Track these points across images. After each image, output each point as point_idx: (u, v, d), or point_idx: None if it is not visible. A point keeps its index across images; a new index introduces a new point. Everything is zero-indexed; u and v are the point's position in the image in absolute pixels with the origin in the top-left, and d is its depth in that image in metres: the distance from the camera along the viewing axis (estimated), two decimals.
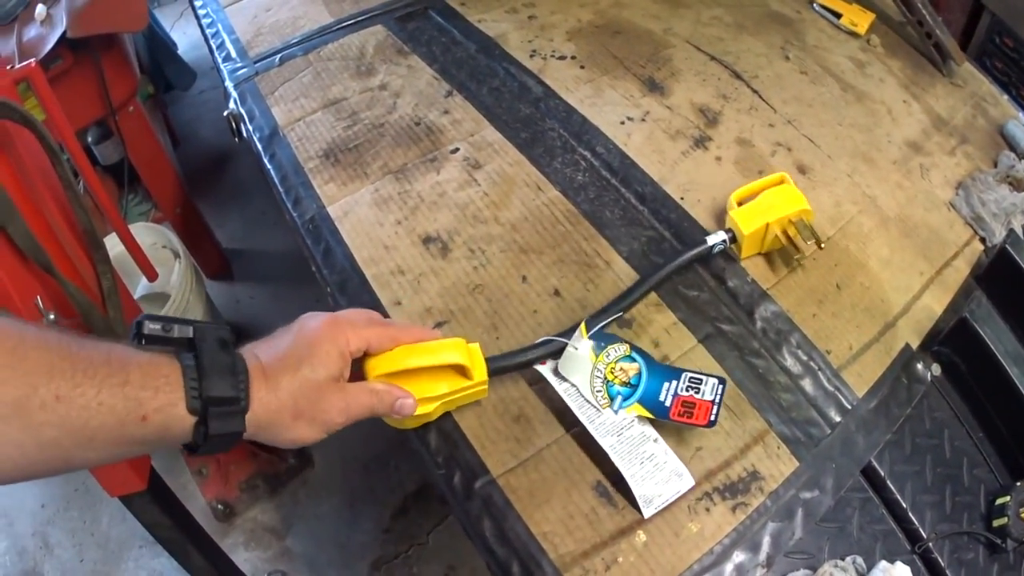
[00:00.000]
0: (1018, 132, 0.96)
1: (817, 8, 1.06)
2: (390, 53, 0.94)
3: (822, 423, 0.65)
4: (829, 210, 0.79)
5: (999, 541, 0.66)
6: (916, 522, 0.65)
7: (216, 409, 0.46)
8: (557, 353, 0.62)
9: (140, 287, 1.40)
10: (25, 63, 0.94)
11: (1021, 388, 0.70)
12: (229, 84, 0.95)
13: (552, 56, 0.92)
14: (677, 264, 0.68)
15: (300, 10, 1.04)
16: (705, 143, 0.83)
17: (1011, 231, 0.84)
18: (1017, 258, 0.79)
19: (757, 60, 0.94)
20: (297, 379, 0.50)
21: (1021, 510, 0.67)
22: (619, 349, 0.62)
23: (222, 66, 0.98)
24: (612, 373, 0.61)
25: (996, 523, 0.66)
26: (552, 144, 0.81)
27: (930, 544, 0.64)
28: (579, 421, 0.58)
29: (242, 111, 0.91)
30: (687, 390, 0.60)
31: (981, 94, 1.03)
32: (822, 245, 0.70)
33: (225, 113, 0.93)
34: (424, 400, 0.57)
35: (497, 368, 0.60)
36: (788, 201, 0.71)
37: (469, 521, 0.57)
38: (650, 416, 0.59)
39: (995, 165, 0.94)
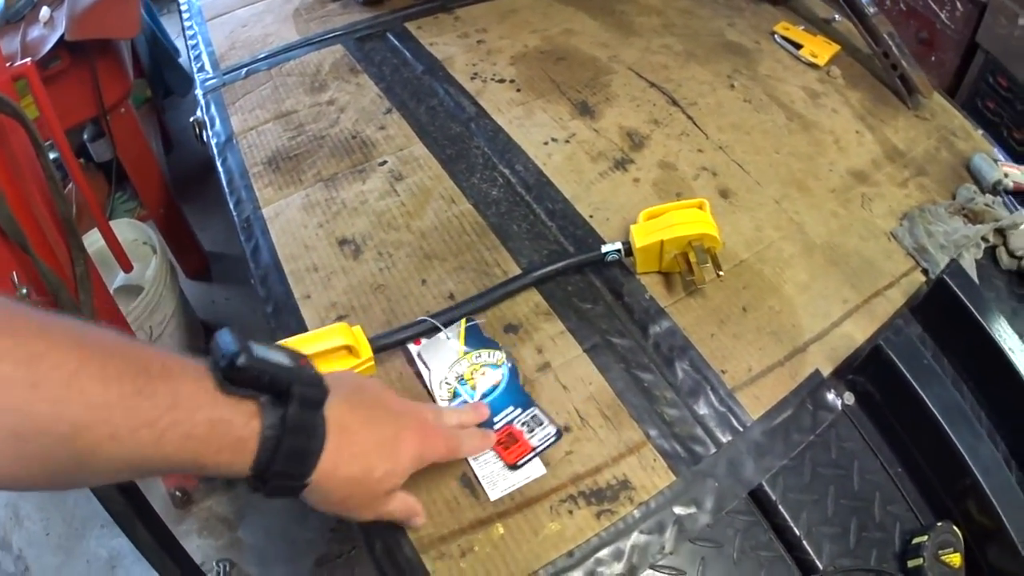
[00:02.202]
0: (984, 165, 0.99)
1: (778, 39, 1.13)
2: (343, 71, 1.05)
3: (708, 441, 0.68)
4: (748, 234, 0.84)
5: None
6: (811, 552, 0.66)
7: (277, 483, 0.47)
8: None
9: (118, 278, 1.55)
10: (22, 62, 1.10)
11: (942, 421, 0.72)
12: (199, 92, 1.08)
13: (492, 79, 1.01)
14: (565, 264, 0.75)
15: (272, 28, 1.17)
16: (626, 165, 0.89)
17: (952, 261, 0.86)
18: (955, 288, 0.81)
19: (699, 88, 1.01)
20: (366, 482, 0.52)
21: (940, 552, 0.68)
22: (493, 356, 0.68)
23: (196, 76, 1.12)
24: (471, 374, 0.67)
25: (911, 563, 0.67)
26: (474, 161, 0.89)
27: None
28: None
29: (205, 118, 1.03)
30: (522, 424, 0.65)
31: (951, 127, 1.06)
32: (720, 274, 0.75)
33: (191, 119, 1.05)
34: None
35: (379, 346, 0.68)
36: (692, 223, 0.75)
37: None
38: None
39: (954, 198, 0.96)
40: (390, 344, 0.69)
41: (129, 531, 1.11)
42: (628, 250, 0.76)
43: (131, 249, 1.35)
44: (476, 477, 0.62)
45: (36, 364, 0.37)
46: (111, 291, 1.32)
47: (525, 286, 0.75)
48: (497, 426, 0.65)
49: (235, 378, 0.44)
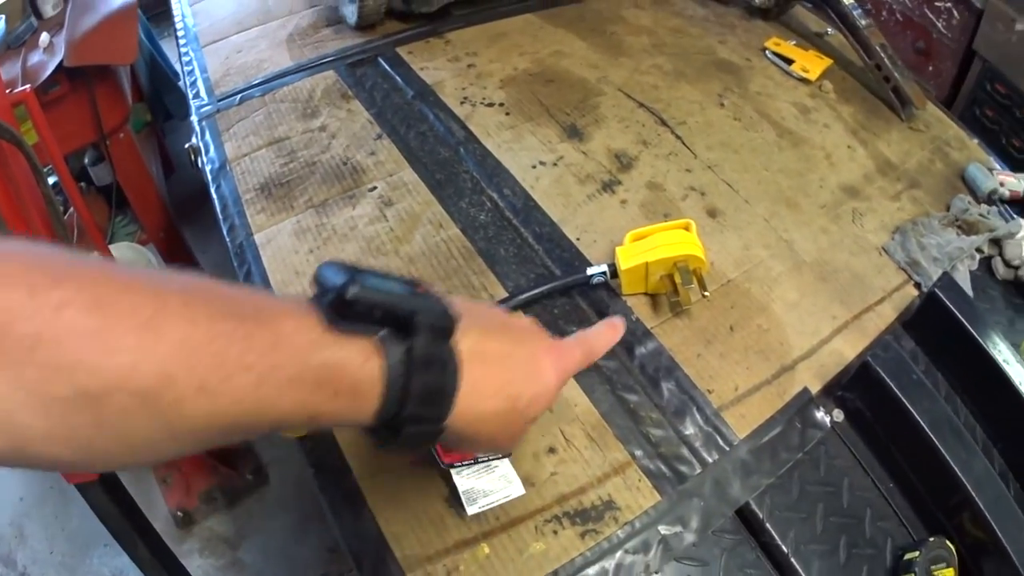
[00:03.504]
0: (978, 175, 1.00)
1: (769, 55, 1.15)
2: (335, 97, 1.09)
3: (693, 461, 0.70)
4: (736, 253, 0.86)
5: None
6: (800, 570, 0.68)
7: (412, 429, 0.41)
8: None
9: None
10: (21, 88, 1.15)
11: (932, 436, 0.73)
12: (194, 119, 1.11)
13: (481, 103, 1.04)
14: (550, 287, 0.77)
15: (266, 54, 1.21)
16: (613, 187, 0.92)
17: (944, 274, 0.88)
18: (947, 301, 0.83)
19: (689, 107, 1.03)
20: (512, 413, 0.47)
21: (933, 567, 0.69)
22: None
23: (191, 102, 1.15)
24: None
25: None
26: (463, 186, 0.92)
27: None
28: None
29: (200, 144, 1.06)
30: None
31: (945, 138, 1.08)
32: (706, 294, 0.77)
33: (186, 145, 1.09)
34: None
35: None
36: (677, 245, 0.77)
37: (333, 515, 0.66)
38: None
39: (948, 209, 0.98)
40: None
41: (130, 550, 1.16)
42: (614, 272, 0.78)
43: None
44: (457, 492, 0.64)
45: (106, 309, 0.32)
46: None
47: (511, 309, 0.77)
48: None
49: (346, 313, 0.38)
